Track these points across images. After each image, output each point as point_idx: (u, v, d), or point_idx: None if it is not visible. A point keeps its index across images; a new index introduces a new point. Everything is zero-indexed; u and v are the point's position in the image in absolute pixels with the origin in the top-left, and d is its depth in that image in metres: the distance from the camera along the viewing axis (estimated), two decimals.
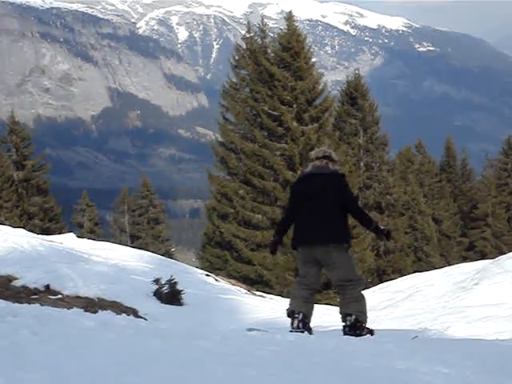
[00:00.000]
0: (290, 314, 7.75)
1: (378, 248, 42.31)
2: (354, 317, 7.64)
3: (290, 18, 31.08)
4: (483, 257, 47.85)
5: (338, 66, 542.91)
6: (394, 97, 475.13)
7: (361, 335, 7.50)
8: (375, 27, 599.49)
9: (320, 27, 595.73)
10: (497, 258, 28.56)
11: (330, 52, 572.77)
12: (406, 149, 57.77)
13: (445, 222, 56.72)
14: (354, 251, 29.70)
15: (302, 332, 7.46)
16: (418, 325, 12.16)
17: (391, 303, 23.92)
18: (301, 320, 7.66)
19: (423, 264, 48.20)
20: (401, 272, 40.52)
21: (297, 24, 31.76)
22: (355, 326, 7.63)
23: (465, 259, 48.72)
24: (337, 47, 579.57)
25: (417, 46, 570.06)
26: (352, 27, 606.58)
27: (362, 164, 42.89)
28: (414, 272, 36.77)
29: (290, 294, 8.02)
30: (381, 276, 41.41)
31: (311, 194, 7.67)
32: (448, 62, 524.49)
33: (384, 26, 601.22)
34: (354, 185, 33.00)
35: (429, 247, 51.24)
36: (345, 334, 7.68)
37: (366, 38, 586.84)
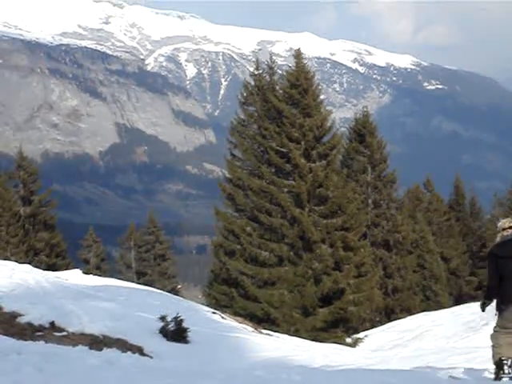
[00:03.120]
0: (499, 361, 8.33)
1: (387, 286, 42.02)
2: None
3: (298, 55, 31.16)
4: None
5: (346, 104, 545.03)
6: (403, 134, 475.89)
7: None
8: (383, 65, 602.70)
9: (328, 65, 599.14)
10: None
11: (338, 89, 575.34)
12: (414, 187, 57.67)
13: (454, 261, 56.40)
14: (362, 289, 29.50)
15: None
16: (426, 365, 12.00)
17: (399, 343, 23.71)
18: (510, 365, 8.26)
19: (432, 303, 47.81)
20: (409, 311, 40.21)
21: (305, 61, 31.83)
22: None
23: (474, 299, 48.35)
24: (345, 85, 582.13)
25: (425, 84, 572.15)
26: (360, 65, 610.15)
27: (370, 201, 42.77)
28: (423, 311, 36.54)
29: (494, 344, 8.50)
30: (389, 315, 41.07)
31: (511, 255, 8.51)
32: (456, 100, 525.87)
33: (392, 64, 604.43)
34: (362, 222, 32.86)
35: (437, 286, 50.85)
36: None
37: (374, 76, 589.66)
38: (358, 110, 46.76)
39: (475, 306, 29.24)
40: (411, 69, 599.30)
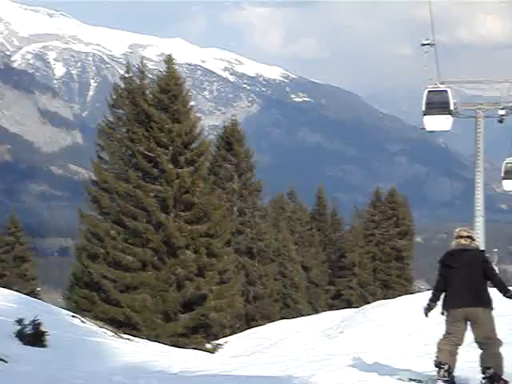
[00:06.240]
0: (438, 364, 9.24)
1: (248, 294, 42.48)
2: (492, 370, 8.90)
3: (169, 60, 31.15)
4: (349, 305, 48.91)
5: (215, 111, 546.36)
6: (269, 144, 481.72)
7: None
8: (253, 75, 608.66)
9: (199, 72, 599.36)
10: (361, 307, 29.32)
11: (208, 97, 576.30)
12: (278, 196, 58.64)
13: (313, 270, 57.67)
14: (224, 296, 29.75)
15: (448, 381, 9.13)
16: (283, 372, 12.26)
17: (259, 349, 24.05)
18: (446, 370, 9.15)
19: (291, 311, 48.73)
20: (269, 318, 40.80)
21: (176, 67, 31.84)
22: (493, 378, 8.90)
23: (331, 307, 49.59)
24: (215, 92, 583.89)
25: (293, 96, 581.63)
26: (231, 74, 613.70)
27: (235, 209, 43.16)
28: (282, 318, 37.18)
29: (437, 348, 9.34)
30: (249, 322, 41.55)
31: (462, 266, 9.26)
32: (321, 113, 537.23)
33: (262, 75, 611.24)
34: (227, 229, 33.12)
35: (297, 294, 51.88)
36: None
37: (243, 85, 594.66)
38: (227, 118, 47.17)
39: (332, 314, 30.08)
40: (280, 80, 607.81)
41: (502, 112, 38.58)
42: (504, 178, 43.38)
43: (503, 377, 8.86)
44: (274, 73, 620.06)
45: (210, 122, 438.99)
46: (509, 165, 42.81)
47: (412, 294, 37.19)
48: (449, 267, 9.35)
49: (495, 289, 9.48)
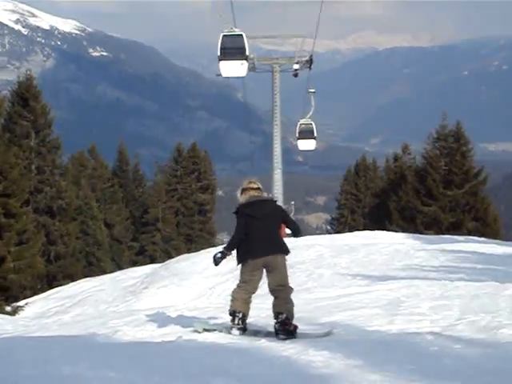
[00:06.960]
0: (232, 313, 9.50)
1: (49, 253, 41.65)
2: (284, 315, 9.27)
3: None
4: (153, 261, 49.30)
5: (8, 66, 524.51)
6: (67, 100, 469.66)
7: (289, 330, 9.18)
8: (48, 28, 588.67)
9: None
10: (165, 262, 29.67)
11: (0, 50, 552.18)
12: (78, 153, 57.64)
13: (117, 227, 57.41)
14: (24, 257, 29.00)
15: (242, 328, 9.45)
16: (87, 330, 12.19)
17: (61, 309, 23.70)
18: (240, 318, 9.45)
19: (94, 269, 48.35)
20: (72, 277, 40.29)
21: None
22: (285, 322, 9.25)
23: (135, 264, 49.69)
24: (7, 46, 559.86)
25: (90, 50, 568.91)
26: (23, 26, 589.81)
27: (33, 167, 41.98)
28: (85, 277, 36.82)
29: (232, 297, 9.57)
30: (51, 282, 40.80)
31: (259, 216, 9.51)
32: (121, 68, 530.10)
33: (57, 28, 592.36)
34: (25, 188, 32.17)
35: (100, 252, 51.50)
36: (276, 329, 9.30)
37: (38, 39, 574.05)
38: (21, 73, 45.57)
39: (136, 270, 30.15)
40: (76, 34, 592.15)
41: (296, 66, 40.17)
42: (299, 138, 45.49)
43: (293, 321, 9.29)
44: (69, 26, 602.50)
45: (2, 76, 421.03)
46: (302, 126, 44.98)
47: (215, 246, 37.97)
48: (251, 217, 9.53)
49: (292, 236, 10.10)
